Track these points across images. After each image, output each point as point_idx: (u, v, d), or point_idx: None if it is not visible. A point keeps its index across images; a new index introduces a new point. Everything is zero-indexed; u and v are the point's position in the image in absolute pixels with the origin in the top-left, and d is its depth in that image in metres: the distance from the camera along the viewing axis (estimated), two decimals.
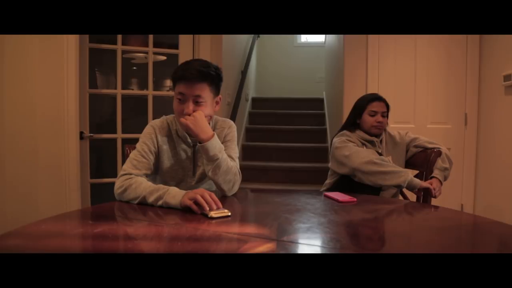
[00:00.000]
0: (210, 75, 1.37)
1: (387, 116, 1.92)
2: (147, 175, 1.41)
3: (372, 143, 1.87)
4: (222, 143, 1.47)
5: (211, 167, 1.36)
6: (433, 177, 1.73)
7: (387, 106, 1.91)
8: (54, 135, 2.36)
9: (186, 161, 1.49)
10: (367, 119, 1.88)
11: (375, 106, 1.87)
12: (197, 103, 1.38)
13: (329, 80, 4.72)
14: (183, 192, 1.21)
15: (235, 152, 1.51)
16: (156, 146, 1.44)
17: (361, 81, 3.09)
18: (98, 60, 2.91)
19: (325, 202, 1.38)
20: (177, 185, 1.45)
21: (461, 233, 1.11)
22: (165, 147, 1.45)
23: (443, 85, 3.05)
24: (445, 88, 3.05)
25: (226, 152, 1.44)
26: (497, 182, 2.74)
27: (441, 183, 1.73)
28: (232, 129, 1.54)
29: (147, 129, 1.46)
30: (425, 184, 1.67)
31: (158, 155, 1.45)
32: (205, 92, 1.38)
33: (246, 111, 4.79)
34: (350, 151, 1.74)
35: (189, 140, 1.47)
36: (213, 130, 1.46)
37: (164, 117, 1.52)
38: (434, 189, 1.67)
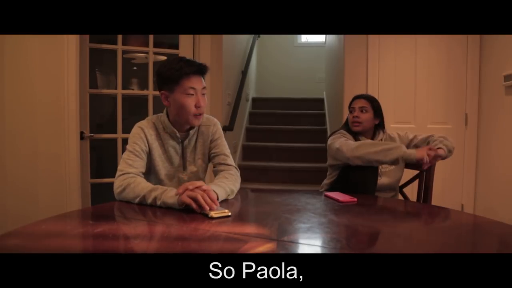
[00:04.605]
0: (208, 68, 1.46)
1: (374, 112, 1.90)
2: (142, 174, 1.42)
3: None
4: (211, 142, 1.54)
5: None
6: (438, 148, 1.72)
7: (372, 101, 1.91)
8: (54, 135, 2.36)
9: (176, 157, 1.52)
10: (349, 118, 1.95)
11: (353, 103, 1.94)
12: (203, 95, 1.45)
13: (329, 80, 4.71)
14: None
15: (227, 148, 1.56)
16: (147, 145, 1.45)
17: (361, 81, 3.09)
18: (98, 60, 2.90)
19: (325, 202, 1.39)
20: (170, 181, 1.50)
21: (461, 233, 1.11)
22: (155, 145, 1.47)
23: (443, 85, 3.05)
24: (445, 88, 3.05)
25: (219, 150, 1.52)
26: (498, 182, 2.74)
27: (445, 153, 1.70)
28: (218, 126, 1.59)
29: (135, 130, 1.46)
30: (419, 154, 1.64)
31: (149, 154, 1.47)
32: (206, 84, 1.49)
33: (247, 111, 4.79)
34: (341, 143, 1.76)
35: (178, 135, 1.49)
36: (199, 126, 1.52)
37: (148, 117, 1.55)
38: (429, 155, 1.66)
